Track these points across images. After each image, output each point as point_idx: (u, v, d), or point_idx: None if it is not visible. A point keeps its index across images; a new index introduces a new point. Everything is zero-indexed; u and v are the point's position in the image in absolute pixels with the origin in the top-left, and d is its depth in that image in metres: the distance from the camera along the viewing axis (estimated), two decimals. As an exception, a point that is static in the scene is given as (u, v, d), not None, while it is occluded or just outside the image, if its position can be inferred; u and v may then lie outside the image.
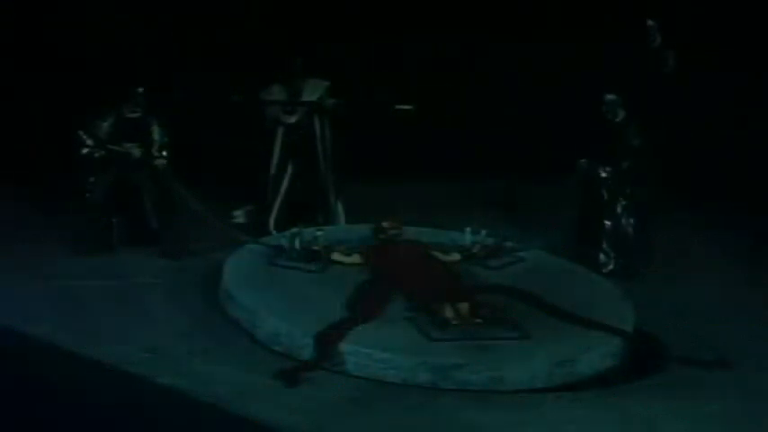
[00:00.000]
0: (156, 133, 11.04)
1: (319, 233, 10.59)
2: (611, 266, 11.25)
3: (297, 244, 10.44)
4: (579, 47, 13.57)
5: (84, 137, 10.82)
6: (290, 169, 11.96)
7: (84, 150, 10.82)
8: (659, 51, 11.93)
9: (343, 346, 9.04)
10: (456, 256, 10.70)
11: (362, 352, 8.99)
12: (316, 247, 10.41)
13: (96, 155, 10.85)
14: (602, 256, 11.27)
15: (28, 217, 11.60)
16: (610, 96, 11.38)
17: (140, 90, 10.96)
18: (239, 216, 12.03)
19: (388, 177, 12.90)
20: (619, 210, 11.32)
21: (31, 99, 12.95)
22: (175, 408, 8.44)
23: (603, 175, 11.28)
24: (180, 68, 13.10)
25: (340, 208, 12.05)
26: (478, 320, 9.45)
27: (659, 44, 11.93)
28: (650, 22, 11.87)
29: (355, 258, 10.45)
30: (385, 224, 10.83)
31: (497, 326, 9.43)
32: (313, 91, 11.89)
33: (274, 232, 11.45)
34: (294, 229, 10.59)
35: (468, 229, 10.89)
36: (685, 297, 10.82)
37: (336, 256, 10.43)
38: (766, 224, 12.33)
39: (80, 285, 10.15)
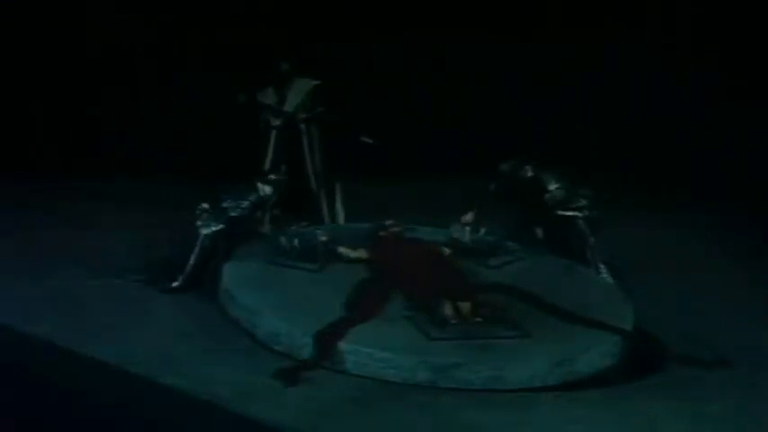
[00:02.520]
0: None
1: (319, 232, 10.60)
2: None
3: (297, 244, 10.45)
4: (579, 47, 13.58)
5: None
6: (282, 170, 11.96)
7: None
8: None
9: (343, 346, 9.04)
10: (446, 251, 10.69)
11: (362, 351, 8.99)
12: (322, 239, 10.40)
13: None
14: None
15: (28, 217, 11.59)
16: (503, 166, 11.20)
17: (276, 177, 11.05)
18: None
19: (388, 177, 12.90)
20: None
21: (31, 99, 12.96)
22: (175, 408, 8.44)
23: (528, 175, 11.11)
24: (180, 68, 13.10)
25: (339, 208, 12.04)
26: (478, 320, 9.46)
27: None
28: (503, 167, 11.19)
29: (361, 253, 10.45)
30: (388, 222, 10.82)
31: (497, 325, 9.44)
32: (299, 92, 11.88)
33: (271, 232, 11.44)
34: (294, 229, 10.58)
35: (467, 228, 10.89)
36: (685, 297, 10.80)
37: (342, 250, 10.43)
38: (766, 224, 12.33)
39: (80, 285, 10.14)
